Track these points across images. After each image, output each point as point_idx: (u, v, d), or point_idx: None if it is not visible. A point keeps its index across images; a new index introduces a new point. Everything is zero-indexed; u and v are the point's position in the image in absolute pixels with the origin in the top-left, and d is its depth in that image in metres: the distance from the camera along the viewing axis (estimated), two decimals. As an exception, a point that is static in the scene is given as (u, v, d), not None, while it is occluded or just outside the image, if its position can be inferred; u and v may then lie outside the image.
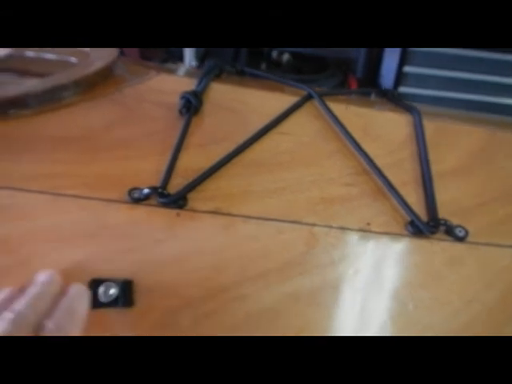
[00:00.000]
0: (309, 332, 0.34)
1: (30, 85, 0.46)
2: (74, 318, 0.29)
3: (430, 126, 0.49)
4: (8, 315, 0.27)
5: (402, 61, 0.86)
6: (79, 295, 0.31)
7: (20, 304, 0.28)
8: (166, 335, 0.32)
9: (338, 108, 0.49)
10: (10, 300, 0.30)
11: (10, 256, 0.33)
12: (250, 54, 0.98)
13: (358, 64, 0.94)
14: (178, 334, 0.33)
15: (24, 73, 0.60)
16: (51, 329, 0.27)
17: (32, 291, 0.30)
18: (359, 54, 0.93)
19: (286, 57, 1.03)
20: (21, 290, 0.30)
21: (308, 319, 0.34)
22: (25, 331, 0.27)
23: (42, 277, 0.31)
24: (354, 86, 0.92)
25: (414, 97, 0.88)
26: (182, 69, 0.88)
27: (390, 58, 0.89)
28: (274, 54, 1.04)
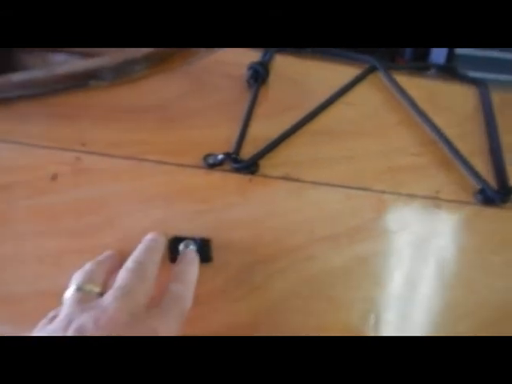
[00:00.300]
0: (378, 293, 0.35)
1: (106, 58, 0.48)
2: (188, 284, 0.31)
3: (496, 98, 0.48)
4: (131, 265, 0.30)
5: None
6: (190, 262, 0.33)
7: (139, 254, 0.31)
8: (241, 289, 0.35)
9: (402, 80, 0.49)
10: (113, 257, 0.33)
11: (99, 215, 0.36)
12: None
13: None
14: (251, 289, 0.35)
15: (90, 54, 0.63)
16: (174, 292, 0.30)
17: (146, 244, 0.32)
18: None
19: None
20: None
21: (376, 281, 0.36)
22: (147, 285, 0.29)
23: (149, 236, 0.34)
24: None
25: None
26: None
27: None
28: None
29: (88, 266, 0.31)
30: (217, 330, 0.34)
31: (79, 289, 0.29)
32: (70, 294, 0.29)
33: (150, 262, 0.31)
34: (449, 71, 0.57)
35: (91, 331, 0.25)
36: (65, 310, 0.27)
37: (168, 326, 0.28)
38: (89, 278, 0.30)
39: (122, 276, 0.29)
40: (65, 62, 0.69)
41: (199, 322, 0.33)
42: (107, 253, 0.33)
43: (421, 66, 0.63)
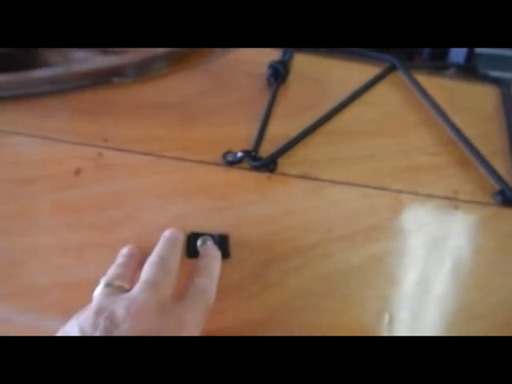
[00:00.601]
0: (393, 292, 0.36)
1: (128, 56, 0.49)
2: (212, 278, 0.32)
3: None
4: (155, 259, 0.31)
5: None
6: (214, 257, 0.34)
7: (161, 249, 0.32)
8: (256, 286, 0.35)
9: (422, 79, 0.49)
10: (135, 256, 0.34)
11: (120, 210, 0.37)
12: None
13: None
14: (267, 286, 0.35)
15: (109, 51, 0.64)
16: (199, 286, 0.31)
17: (167, 241, 0.33)
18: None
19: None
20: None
21: (391, 280, 0.36)
22: (171, 278, 0.30)
23: (168, 233, 0.34)
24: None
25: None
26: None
27: None
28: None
29: (116, 263, 0.33)
30: (232, 326, 0.34)
31: (108, 285, 0.30)
32: (99, 290, 0.30)
33: (171, 257, 0.32)
34: (469, 71, 0.56)
35: (123, 318, 0.26)
36: (95, 301, 0.28)
37: (195, 318, 0.29)
38: (118, 275, 0.31)
39: (146, 270, 0.30)
40: (86, 59, 0.70)
41: (215, 318, 0.34)
42: (130, 249, 0.34)
43: (440, 65, 0.62)
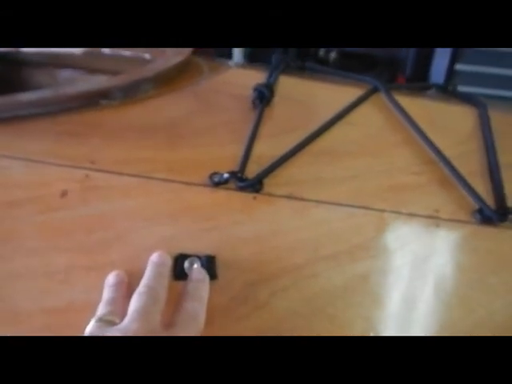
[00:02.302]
0: (378, 311, 0.36)
1: (115, 78, 0.50)
2: (201, 302, 0.32)
3: (494, 118, 0.50)
4: (143, 289, 0.31)
5: (454, 59, 0.84)
6: (202, 280, 0.34)
7: (148, 279, 0.32)
8: (245, 307, 0.35)
9: (403, 100, 0.50)
10: (123, 284, 0.34)
11: (107, 232, 0.37)
12: (297, 52, 0.99)
13: (407, 63, 0.93)
14: (255, 307, 0.35)
15: (95, 70, 0.64)
16: (189, 311, 0.31)
17: (151, 270, 0.33)
18: (408, 53, 0.92)
19: (333, 55, 1.03)
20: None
21: (377, 299, 0.36)
22: (160, 306, 0.31)
23: (155, 258, 0.35)
24: (403, 84, 0.91)
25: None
26: (231, 65, 0.91)
27: (441, 56, 0.87)
28: (321, 52, 1.04)
29: (104, 299, 0.33)
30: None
31: (99, 320, 0.30)
32: (90, 325, 0.30)
33: (159, 286, 0.32)
34: (448, 91, 0.58)
35: None
36: (87, 332, 0.28)
37: None
38: (108, 312, 0.31)
39: (135, 300, 0.30)
40: (73, 79, 0.71)
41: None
42: (117, 277, 0.34)
43: (421, 86, 0.64)
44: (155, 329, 0.28)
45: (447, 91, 0.59)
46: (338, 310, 0.36)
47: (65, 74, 0.70)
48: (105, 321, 0.29)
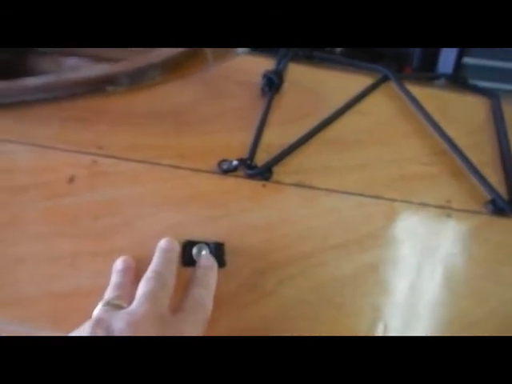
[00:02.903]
0: (387, 300, 0.36)
1: (122, 64, 0.49)
2: (209, 289, 0.32)
3: (507, 109, 0.49)
4: (151, 274, 0.30)
5: (462, 52, 0.83)
6: (211, 267, 0.34)
7: (156, 265, 0.31)
8: (252, 294, 0.35)
9: (413, 89, 0.50)
10: (130, 269, 0.33)
11: (114, 218, 0.37)
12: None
13: (414, 55, 0.91)
14: (262, 294, 0.35)
15: (101, 59, 0.64)
16: (196, 297, 0.31)
17: (159, 256, 0.33)
18: (415, 45, 0.90)
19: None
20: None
21: (386, 288, 0.36)
22: (168, 291, 0.30)
23: (163, 244, 0.34)
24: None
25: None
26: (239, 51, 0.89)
27: (449, 49, 0.86)
28: (328, 44, 1.02)
29: (111, 284, 0.32)
30: (227, 335, 0.34)
31: (107, 303, 0.30)
32: (97, 308, 0.30)
33: (167, 271, 0.32)
34: (458, 81, 0.57)
35: (121, 330, 0.26)
36: (93, 316, 0.28)
37: (194, 330, 0.29)
38: (116, 296, 0.30)
39: (143, 284, 0.30)
40: (79, 67, 0.70)
41: (211, 326, 0.34)
42: (124, 262, 0.34)
43: (430, 75, 0.63)
44: (163, 313, 0.28)
45: (457, 82, 0.58)
46: (347, 298, 0.36)
47: (70, 61, 0.69)
48: (112, 304, 0.29)
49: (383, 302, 0.36)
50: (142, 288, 0.29)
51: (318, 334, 0.35)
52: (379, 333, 0.35)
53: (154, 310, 0.27)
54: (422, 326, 0.36)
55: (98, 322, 0.26)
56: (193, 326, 0.29)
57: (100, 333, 0.25)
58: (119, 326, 0.26)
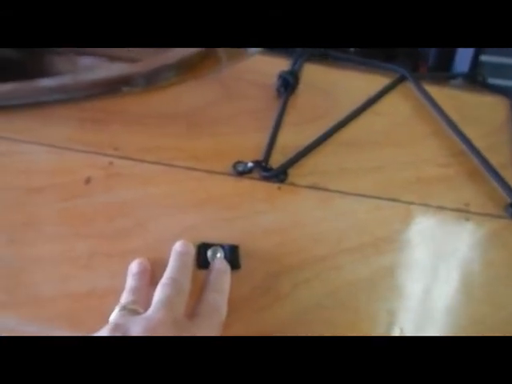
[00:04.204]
0: (402, 305, 0.35)
1: (138, 65, 0.49)
2: (223, 294, 0.32)
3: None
4: (167, 281, 0.30)
5: (479, 50, 0.81)
6: (224, 271, 0.33)
7: (172, 271, 0.32)
8: (266, 298, 0.35)
9: (430, 89, 0.49)
10: (146, 272, 0.33)
11: (130, 219, 0.37)
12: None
13: (430, 54, 0.90)
14: (277, 298, 0.35)
15: (116, 58, 0.64)
16: (211, 302, 0.31)
17: (175, 260, 0.33)
18: (431, 43, 0.89)
19: (353, 46, 1.00)
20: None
21: (401, 292, 0.35)
22: (184, 297, 0.30)
23: (179, 247, 0.34)
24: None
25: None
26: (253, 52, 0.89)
27: None
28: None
29: (127, 288, 0.32)
30: (242, 338, 0.34)
31: (123, 308, 0.30)
32: (114, 313, 0.30)
33: (183, 277, 0.32)
34: (476, 80, 0.56)
35: (138, 335, 0.26)
36: (111, 321, 0.28)
37: (209, 334, 0.29)
38: (132, 301, 0.30)
39: (159, 291, 0.30)
40: (93, 66, 0.71)
41: (225, 330, 0.33)
42: (140, 265, 0.34)
43: (447, 75, 0.62)
44: (179, 318, 0.28)
45: (475, 81, 0.57)
46: (362, 302, 0.35)
47: (85, 61, 0.70)
48: (129, 309, 0.29)
49: (398, 306, 0.35)
50: (159, 294, 0.29)
51: (332, 338, 0.34)
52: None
53: (170, 316, 0.27)
54: (437, 331, 0.35)
55: (116, 326, 0.26)
56: (208, 330, 0.29)
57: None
58: (137, 331, 0.26)
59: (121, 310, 0.29)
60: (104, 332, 0.26)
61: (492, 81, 0.83)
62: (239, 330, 0.34)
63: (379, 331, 0.35)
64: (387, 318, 0.35)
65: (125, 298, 0.31)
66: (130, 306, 0.29)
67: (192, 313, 0.30)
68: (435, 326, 0.35)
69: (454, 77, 0.64)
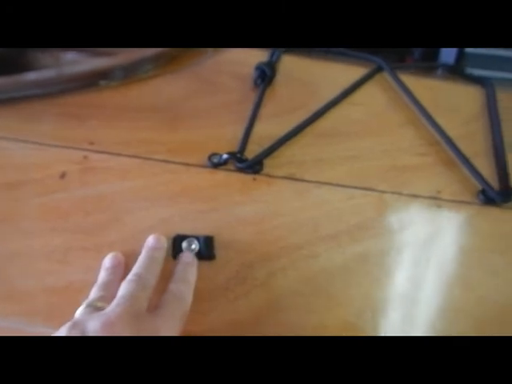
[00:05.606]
0: (378, 289, 0.36)
1: (115, 58, 0.49)
2: (188, 285, 0.32)
3: (503, 98, 0.48)
4: (132, 277, 0.31)
5: None
6: (190, 264, 0.34)
7: (139, 267, 0.32)
8: (242, 287, 0.35)
9: (408, 80, 0.49)
10: (120, 266, 0.34)
11: (106, 213, 0.37)
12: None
13: None
14: (253, 286, 0.35)
15: (100, 53, 0.64)
16: (174, 292, 0.31)
17: (145, 256, 0.33)
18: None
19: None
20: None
21: (376, 278, 0.36)
22: (148, 292, 0.30)
23: (151, 242, 0.34)
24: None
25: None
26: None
27: None
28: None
29: (101, 278, 0.33)
30: (218, 327, 0.34)
31: (89, 305, 0.30)
32: (79, 310, 0.30)
33: (149, 273, 0.32)
34: (456, 71, 0.57)
35: (94, 330, 0.26)
36: (72, 319, 0.28)
37: (170, 326, 0.29)
38: (99, 297, 0.31)
39: (123, 287, 0.30)
40: (75, 62, 0.70)
41: (201, 319, 0.34)
42: (114, 259, 0.34)
43: (428, 65, 0.63)
44: (139, 313, 0.28)
45: (454, 71, 0.57)
46: (337, 288, 0.36)
47: (70, 56, 0.69)
48: (94, 306, 0.29)
49: (373, 292, 0.36)
50: (122, 290, 0.30)
51: (308, 325, 0.35)
52: (367, 321, 0.35)
53: (129, 311, 0.28)
54: (411, 315, 0.36)
55: (74, 324, 0.27)
56: (169, 321, 0.29)
57: (75, 334, 0.26)
58: (94, 327, 0.26)
59: (86, 307, 0.29)
60: (62, 330, 0.26)
61: (475, 71, 0.84)
62: (215, 318, 0.34)
63: (353, 316, 0.35)
64: (361, 303, 0.35)
65: (93, 293, 0.31)
66: (96, 303, 0.30)
67: (156, 304, 0.30)
68: (408, 311, 0.36)
69: (436, 67, 0.64)
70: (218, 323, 0.35)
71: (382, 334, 0.34)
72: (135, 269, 0.32)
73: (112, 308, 0.28)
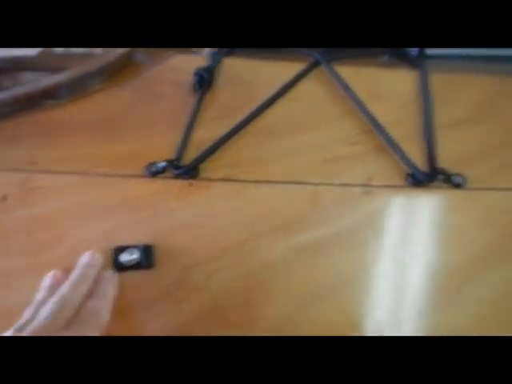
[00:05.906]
0: (316, 279, 0.37)
1: (59, 76, 0.50)
2: (106, 300, 0.34)
3: (438, 80, 0.49)
4: (54, 298, 0.32)
5: None
6: (110, 280, 0.35)
7: (65, 287, 0.33)
8: (183, 291, 0.36)
9: (347, 71, 0.50)
10: (58, 284, 0.35)
11: (48, 232, 0.38)
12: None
13: None
14: (193, 290, 0.36)
15: (56, 69, 0.64)
16: (91, 308, 0.32)
17: (75, 274, 0.34)
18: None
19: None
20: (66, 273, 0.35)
21: (313, 268, 0.37)
22: (68, 310, 0.31)
23: (85, 259, 0.36)
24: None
25: (443, 56, 0.85)
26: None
27: None
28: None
29: (37, 298, 0.33)
30: (165, 332, 0.36)
31: (17, 329, 0.30)
32: (9, 331, 0.30)
33: (73, 294, 0.33)
34: (399, 55, 0.57)
35: None
36: None
37: None
38: (29, 319, 0.31)
39: (46, 306, 0.31)
40: (34, 81, 0.71)
41: (147, 325, 0.35)
42: (54, 277, 0.35)
43: (368, 53, 0.63)
44: (55, 329, 0.29)
45: (397, 56, 0.58)
46: (277, 282, 0.37)
47: (27, 76, 0.70)
48: (21, 330, 0.30)
49: (311, 280, 0.37)
50: (42, 310, 0.31)
51: (249, 319, 0.36)
52: (306, 309, 0.36)
53: (44, 329, 0.29)
54: (343, 297, 0.37)
55: None
56: (85, 335, 0.30)
57: None
58: None
59: (14, 331, 0.30)
60: None
61: (443, 51, 0.84)
62: (160, 324, 0.36)
63: (292, 306, 0.36)
64: (300, 293, 0.37)
65: (25, 315, 0.32)
66: (24, 328, 0.30)
67: (71, 321, 0.31)
68: (345, 297, 0.37)
69: (380, 54, 0.65)
70: (165, 328, 0.36)
71: (320, 322, 0.36)
72: (61, 289, 0.33)
73: (28, 328, 0.29)
